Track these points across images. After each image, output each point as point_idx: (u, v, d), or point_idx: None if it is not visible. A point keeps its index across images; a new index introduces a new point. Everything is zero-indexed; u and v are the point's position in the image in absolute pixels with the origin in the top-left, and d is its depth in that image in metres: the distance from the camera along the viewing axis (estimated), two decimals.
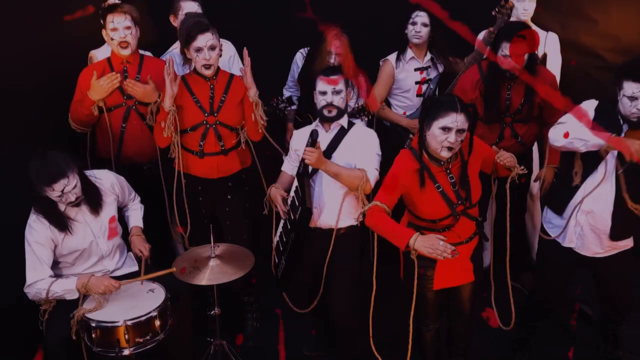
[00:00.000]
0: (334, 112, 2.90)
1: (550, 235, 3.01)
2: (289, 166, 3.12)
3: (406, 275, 2.81)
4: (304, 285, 3.17)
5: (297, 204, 2.91)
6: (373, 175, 2.85)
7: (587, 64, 4.00)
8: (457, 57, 3.79)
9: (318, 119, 2.99)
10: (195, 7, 3.54)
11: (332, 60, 3.52)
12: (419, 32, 3.63)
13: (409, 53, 3.73)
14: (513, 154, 3.12)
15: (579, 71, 3.97)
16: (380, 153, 2.95)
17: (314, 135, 2.77)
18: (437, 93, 3.81)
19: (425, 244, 2.45)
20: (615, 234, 2.85)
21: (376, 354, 2.78)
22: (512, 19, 3.63)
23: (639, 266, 3.07)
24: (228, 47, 3.68)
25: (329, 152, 2.92)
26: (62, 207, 2.78)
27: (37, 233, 2.74)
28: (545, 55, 3.67)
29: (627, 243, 2.93)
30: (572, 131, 2.75)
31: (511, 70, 3.26)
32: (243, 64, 3.18)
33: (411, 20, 3.64)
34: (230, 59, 3.70)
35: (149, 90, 3.20)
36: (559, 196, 2.97)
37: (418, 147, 2.64)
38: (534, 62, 3.34)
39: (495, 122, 3.43)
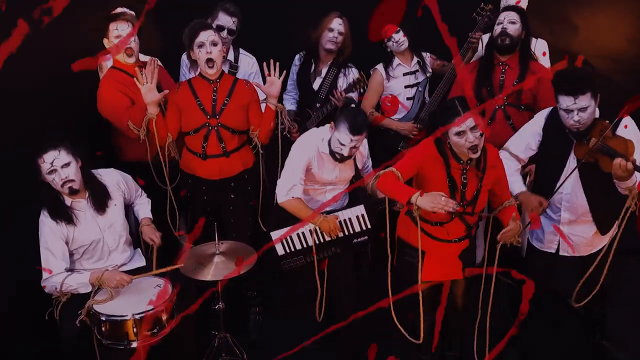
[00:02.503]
0: (345, 159, 2.96)
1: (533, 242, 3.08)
2: (298, 190, 2.99)
3: (399, 262, 2.85)
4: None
5: (363, 228, 3.05)
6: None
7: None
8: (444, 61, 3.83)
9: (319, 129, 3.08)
10: (230, 22, 3.57)
11: (332, 35, 3.62)
12: (397, 40, 3.65)
13: (396, 60, 3.76)
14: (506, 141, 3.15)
15: None
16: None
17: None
18: (425, 95, 3.82)
19: (428, 199, 2.48)
20: (604, 228, 2.89)
21: (396, 321, 2.85)
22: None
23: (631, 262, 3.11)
24: (251, 62, 3.72)
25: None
26: (68, 201, 2.82)
27: (49, 228, 2.77)
28: None
29: (612, 234, 2.94)
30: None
31: (502, 36, 3.37)
32: (270, 73, 3.17)
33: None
34: (251, 75, 3.71)
35: (150, 89, 3.10)
36: None
37: (442, 141, 2.68)
38: (528, 55, 3.46)
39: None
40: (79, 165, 2.78)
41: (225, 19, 3.55)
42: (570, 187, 2.85)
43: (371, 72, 3.82)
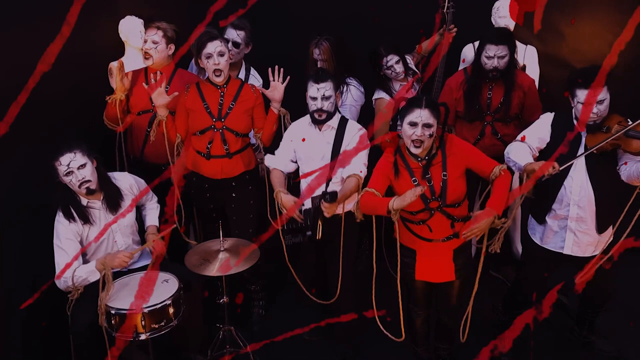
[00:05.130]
0: (324, 116, 2.97)
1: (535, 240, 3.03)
2: (282, 162, 3.12)
3: (396, 261, 2.86)
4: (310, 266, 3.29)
5: (309, 221, 2.99)
6: (363, 174, 2.91)
7: (564, 75, 4.05)
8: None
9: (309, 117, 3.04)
10: (235, 35, 3.59)
11: (319, 64, 3.53)
12: (398, 71, 3.53)
13: (396, 83, 3.62)
14: (496, 152, 3.17)
15: (558, 80, 4.03)
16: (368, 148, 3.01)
17: (330, 197, 2.80)
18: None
19: (399, 199, 2.53)
20: (601, 226, 2.86)
21: (380, 324, 2.86)
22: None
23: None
24: (254, 79, 3.71)
25: (334, 153, 2.99)
26: (84, 201, 2.86)
27: (64, 228, 2.81)
28: (524, 67, 3.72)
29: (610, 237, 2.93)
30: (512, 152, 2.83)
31: (493, 72, 3.32)
32: (274, 78, 3.20)
33: (385, 66, 3.52)
34: None
35: (160, 93, 3.20)
36: (538, 206, 2.98)
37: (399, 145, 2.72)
38: (513, 67, 3.42)
39: (476, 120, 3.48)
40: (94, 165, 2.82)
41: (230, 33, 3.58)
42: (580, 181, 2.80)
43: (375, 101, 3.63)
